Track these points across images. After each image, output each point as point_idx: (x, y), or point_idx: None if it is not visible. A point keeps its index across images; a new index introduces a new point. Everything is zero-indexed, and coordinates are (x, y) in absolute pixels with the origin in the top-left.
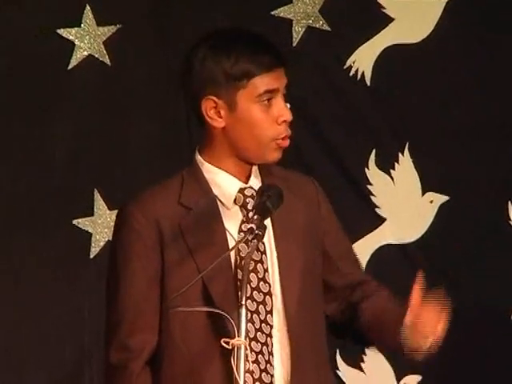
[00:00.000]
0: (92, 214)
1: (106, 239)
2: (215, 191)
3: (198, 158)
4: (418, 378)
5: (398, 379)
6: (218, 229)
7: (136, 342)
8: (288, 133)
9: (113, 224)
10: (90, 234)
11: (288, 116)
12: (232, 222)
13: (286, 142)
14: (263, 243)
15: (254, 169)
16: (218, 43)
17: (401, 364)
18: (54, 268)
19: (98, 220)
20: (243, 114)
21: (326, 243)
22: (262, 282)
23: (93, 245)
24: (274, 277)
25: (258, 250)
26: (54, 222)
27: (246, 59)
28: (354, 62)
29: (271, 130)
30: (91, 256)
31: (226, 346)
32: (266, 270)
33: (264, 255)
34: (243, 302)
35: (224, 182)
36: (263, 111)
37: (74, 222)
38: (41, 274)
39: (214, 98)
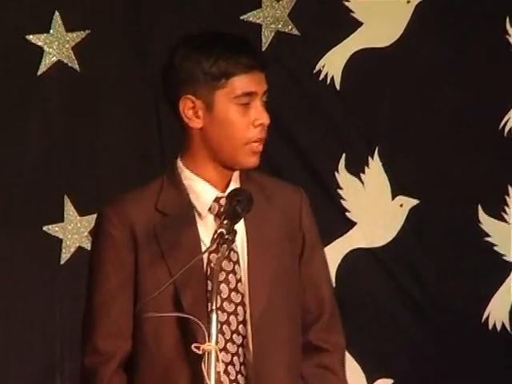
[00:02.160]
0: (62, 221)
1: (77, 245)
2: (192, 198)
3: (179, 163)
4: (390, 381)
5: (370, 383)
6: (191, 236)
7: (106, 345)
8: (263, 136)
9: (83, 230)
10: (61, 240)
11: (265, 119)
12: (206, 231)
13: (260, 147)
14: (236, 253)
15: (235, 176)
16: (199, 44)
17: (372, 368)
18: (25, 274)
19: (68, 226)
20: (220, 114)
21: (303, 271)
22: (233, 293)
23: (63, 251)
24: (246, 286)
25: (230, 260)
26: (25, 228)
27: (226, 59)
28: (323, 67)
29: (246, 132)
30: (62, 262)
31: (197, 351)
32: (238, 281)
33: (237, 265)
34: (213, 308)
35: (201, 190)
36: (240, 113)
37: (45, 228)
38: (11, 280)
39: (192, 98)
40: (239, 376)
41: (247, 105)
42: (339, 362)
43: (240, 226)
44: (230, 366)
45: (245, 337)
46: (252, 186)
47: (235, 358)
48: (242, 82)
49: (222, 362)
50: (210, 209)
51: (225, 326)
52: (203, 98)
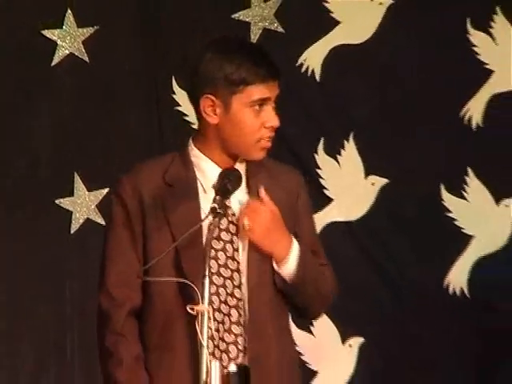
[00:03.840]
0: (72, 195)
1: (85, 217)
2: (198, 174)
3: (190, 143)
4: (361, 339)
5: (343, 341)
6: (194, 208)
7: (117, 292)
8: (272, 135)
9: (90, 203)
10: (71, 213)
11: (276, 123)
12: (208, 204)
13: (269, 143)
14: (235, 225)
15: (240, 159)
16: (224, 50)
17: (346, 328)
18: (39, 242)
19: (78, 200)
20: (236, 115)
21: (297, 232)
22: (230, 260)
23: (73, 222)
24: (245, 255)
25: (228, 231)
26: (39, 202)
27: (246, 68)
28: (305, 60)
29: (258, 133)
30: (71, 232)
31: (191, 311)
32: (235, 250)
33: (235, 236)
34: (206, 273)
35: (207, 169)
36: (254, 115)
37: (57, 201)
38: (26, 248)
39: (213, 98)
40: (226, 334)
41: (260, 107)
42: (330, 272)
43: (240, 202)
44: (220, 325)
45: (239, 299)
46: (258, 168)
47: (226, 317)
48: (258, 90)
49: (215, 320)
50: (213, 186)
51: (221, 289)
52: (222, 99)
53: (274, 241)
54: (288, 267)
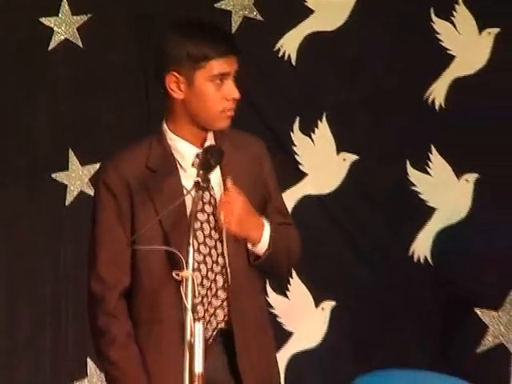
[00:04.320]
0: (67, 169)
1: (79, 189)
2: (176, 156)
3: (164, 126)
4: (333, 303)
5: (316, 304)
6: (175, 185)
7: (109, 275)
8: (234, 106)
9: (84, 177)
10: (66, 186)
11: (237, 95)
12: (188, 181)
13: (232, 112)
14: (215, 198)
15: (209, 134)
16: (185, 30)
17: (319, 292)
18: (37, 213)
19: (72, 174)
20: (199, 90)
21: (266, 194)
22: (213, 231)
23: (68, 194)
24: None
25: (210, 203)
26: (37, 176)
27: (207, 45)
28: (282, 46)
29: (221, 104)
30: (66, 204)
31: (176, 277)
32: (217, 221)
33: (216, 208)
34: (190, 242)
35: (183, 149)
36: (216, 89)
37: (53, 175)
38: (27, 219)
39: (176, 74)
40: (213, 299)
41: (221, 82)
42: (296, 232)
43: (217, 175)
44: (208, 291)
45: (223, 266)
46: (225, 140)
47: (213, 283)
48: (218, 64)
49: (204, 286)
50: (193, 164)
51: (207, 258)
52: (185, 75)
53: (247, 227)
54: (261, 246)
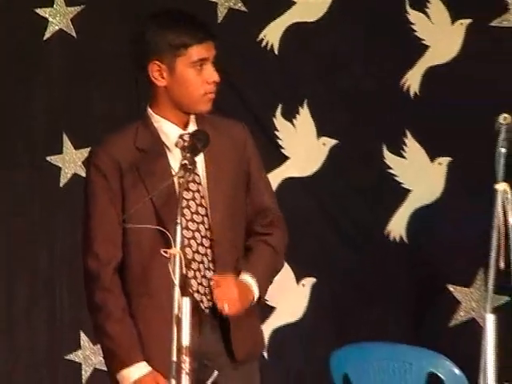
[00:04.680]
0: (61, 153)
1: (73, 172)
2: (162, 137)
3: (149, 110)
4: (313, 280)
5: (298, 281)
6: (163, 165)
7: (103, 251)
8: (214, 90)
9: (77, 160)
10: (60, 168)
11: (216, 78)
12: (174, 161)
13: (212, 95)
14: (199, 176)
15: (192, 118)
16: (164, 20)
17: (300, 269)
18: (33, 194)
19: (66, 157)
20: (181, 76)
21: (249, 174)
22: (199, 207)
23: (62, 176)
24: (207, 201)
25: (194, 182)
26: (33, 159)
27: (185, 33)
28: (265, 36)
29: (202, 88)
30: (61, 185)
31: (165, 254)
32: (202, 197)
33: (200, 186)
34: (178, 221)
35: (168, 130)
36: (196, 74)
37: (48, 158)
38: (25, 197)
39: (158, 63)
40: (207, 271)
41: (201, 67)
42: (279, 243)
43: (200, 157)
44: (200, 265)
45: (212, 239)
46: (206, 124)
47: (204, 257)
48: (197, 51)
49: (196, 261)
50: (176, 144)
51: (196, 233)
52: (167, 63)
53: (242, 301)
54: (255, 300)
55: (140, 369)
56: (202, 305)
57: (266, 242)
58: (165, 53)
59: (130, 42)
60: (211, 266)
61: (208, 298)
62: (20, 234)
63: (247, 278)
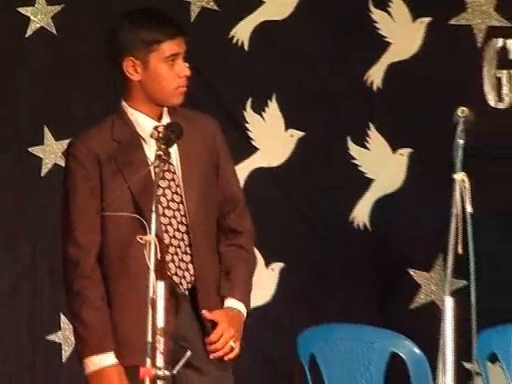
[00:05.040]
0: (42, 144)
1: (53, 162)
2: (137, 129)
3: (123, 104)
4: (282, 264)
5: (267, 265)
6: (140, 156)
7: (84, 239)
8: (186, 83)
9: (58, 151)
10: (41, 159)
11: (187, 72)
12: (150, 151)
13: (184, 89)
14: (173, 166)
15: (165, 110)
16: (136, 18)
17: (269, 255)
18: (16, 183)
19: (47, 148)
20: (154, 71)
21: (219, 166)
22: (175, 195)
23: (43, 166)
24: (182, 189)
25: (169, 171)
26: (15, 150)
27: (157, 30)
28: (235, 33)
29: (175, 82)
30: (42, 175)
31: (140, 240)
32: (177, 186)
33: (175, 175)
34: (153, 209)
35: (143, 122)
36: (168, 69)
37: (30, 149)
38: (5, 187)
39: (133, 59)
40: (184, 255)
41: (173, 62)
42: (250, 242)
43: (174, 148)
44: (178, 249)
45: (187, 225)
46: (178, 116)
47: (181, 242)
48: (169, 46)
49: (173, 245)
50: (151, 135)
51: (172, 220)
52: (141, 58)
53: (239, 330)
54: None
55: (108, 358)
56: (181, 287)
57: (240, 246)
58: (138, 49)
59: (105, 40)
60: (188, 250)
61: (186, 280)
62: (2, 221)
63: (235, 304)
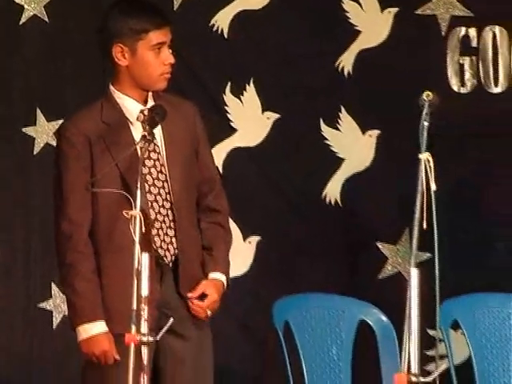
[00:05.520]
0: (35, 124)
1: (45, 141)
2: (124, 112)
3: (111, 88)
4: (258, 237)
5: (244, 239)
6: (127, 136)
7: (77, 215)
8: (170, 70)
9: (49, 131)
10: (34, 138)
11: (172, 60)
12: (136, 133)
13: (168, 75)
14: (158, 146)
15: (150, 94)
16: (126, 8)
17: (246, 228)
18: (11, 161)
19: (39, 128)
20: (141, 58)
21: (197, 150)
22: (160, 174)
23: (36, 146)
24: (166, 168)
25: (154, 151)
26: (9, 130)
27: (145, 20)
28: (216, 21)
29: (160, 69)
30: (34, 153)
31: (126, 215)
32: (162, 165)
33: (159, 155)
34: (138, 186)
35: (130, 105)
36: (155, 56)
37: (23, 129)
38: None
39: (121, 45)
40: (169, 230)
41: (159, 50)
42: (227, 220)
43: (158, 128)
44: (162, 224)
45: (172, 202)
46: (161, 100)
47: (165, 218)
48: (156, 35)
49: (157, 221)
50: (137, 118)
51: (158, 197)
52: (129, 46)
53: (220, 298)
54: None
55: (99, 326)
56: (165, 259)
57: (219, 224)
58: (127, 36)
59: (96, 29)
60: (172, 225)
61: (170, 253)
62: None
63: (219, 276)
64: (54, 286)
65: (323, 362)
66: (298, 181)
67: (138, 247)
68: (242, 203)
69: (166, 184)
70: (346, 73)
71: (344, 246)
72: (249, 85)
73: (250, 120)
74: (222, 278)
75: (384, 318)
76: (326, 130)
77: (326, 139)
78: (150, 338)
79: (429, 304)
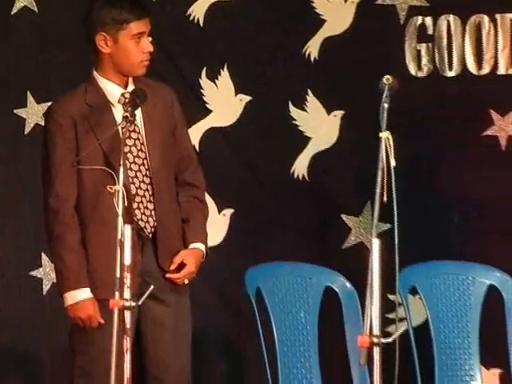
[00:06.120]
0: (26, 106)
1: (35, 122)
2: (107, 95)
3: (94, 73)
4: (232, 210)
5: (219, 211)
6: (109, 118)
7: (63, 190)
8: (149, 57)
9: (39, 112)
10: (25, 119)
11: (151, 48)
12: (118, 115)
13: (147, 62)
14: (138, 127)
15: (131, 79)
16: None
17: (220, 201)
18: (3, 140)
19: (30, 110)
20: (122, 46)
21: (175, 133)
22: (140, 152)
23: (26, 126)
24: (146, 147)
25: (134, 131)
26: (3, 112)
27: (126, 10)
28: (192, 11)
29: (139, 57)
30: (25, 133)
31: (110, 190)
32: (142, 144)
33: (139, 134)
34: (121, 163)
35: (111, 89)
36: (135, 45)
37: (15, 111)
38: None
39: (104, 34)
40: (149, 203)
41: (139, 39)
42: (203, 194)
43: (139, 110)
44: (143, 198)
45: (151, 178)
46: (141, 84)
47: (145, 192)
48: (136, 26)
49: (138, 195)
50: (119, 101)
51: (138, 173)
52: (111, 34)
53: (198, 266)
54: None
55: (84, 293)
56: (145, 231)
57: (197, 198)
58: (110, 26)
59: (82, 19)
60: (152, 199)
61: (150, 225)
62: None
63: (199, 246)
64: (44, 256)
65: (292, 325)
66: (268, 158)
67: (120, 219)
68: (217, 179)
69: (145, 161)
70: (312, 58)
71: (311, 218)
72: (223, 70)
73: (224, 102)
74: (202, 247)
75: (348, 285)
76: (294, 111)
77: (294, 119)
78: (133, 303)
79: (389, 271)
